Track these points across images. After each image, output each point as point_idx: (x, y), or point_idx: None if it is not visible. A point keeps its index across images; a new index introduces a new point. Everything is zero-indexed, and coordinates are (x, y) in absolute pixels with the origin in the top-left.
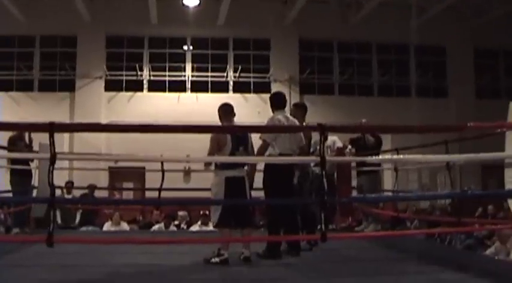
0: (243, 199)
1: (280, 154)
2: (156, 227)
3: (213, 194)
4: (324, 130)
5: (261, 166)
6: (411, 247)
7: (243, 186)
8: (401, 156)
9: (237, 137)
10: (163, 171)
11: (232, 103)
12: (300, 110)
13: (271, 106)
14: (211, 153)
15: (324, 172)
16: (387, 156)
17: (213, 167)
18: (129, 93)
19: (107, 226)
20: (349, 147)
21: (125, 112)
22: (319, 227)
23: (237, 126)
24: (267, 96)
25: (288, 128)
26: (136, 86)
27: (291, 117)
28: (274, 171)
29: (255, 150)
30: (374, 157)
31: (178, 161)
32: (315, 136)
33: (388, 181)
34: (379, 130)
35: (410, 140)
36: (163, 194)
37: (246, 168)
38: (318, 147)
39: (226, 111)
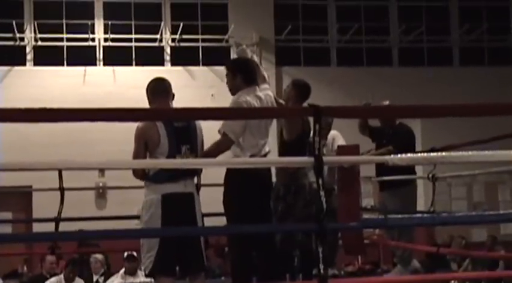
0: (191, 228)
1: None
2: (51, 281)
3: (143, 223)
4: (319, 114)
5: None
6: None
7: (191, 209)
8: (444, 154)
9: (177, 130)
10: (62, 189)
11: (170, 80)
12: (297, 91)
13: (233, 80)
14: (137, 157)
15: (320, 182)
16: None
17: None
18: (2, 68)
19: None
20: None
21: None
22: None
23: (175, 109)
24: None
25: (261, 110)
26: (14, 57)
27: (269, 96)
28: (241, 183)
29: None
30: (404, 155)
31: (86, 168)
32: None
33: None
34: (408, 113)
35: (450, 135)
36: (64, 227)
37: (196, 181)
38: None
39: (158, 90)
